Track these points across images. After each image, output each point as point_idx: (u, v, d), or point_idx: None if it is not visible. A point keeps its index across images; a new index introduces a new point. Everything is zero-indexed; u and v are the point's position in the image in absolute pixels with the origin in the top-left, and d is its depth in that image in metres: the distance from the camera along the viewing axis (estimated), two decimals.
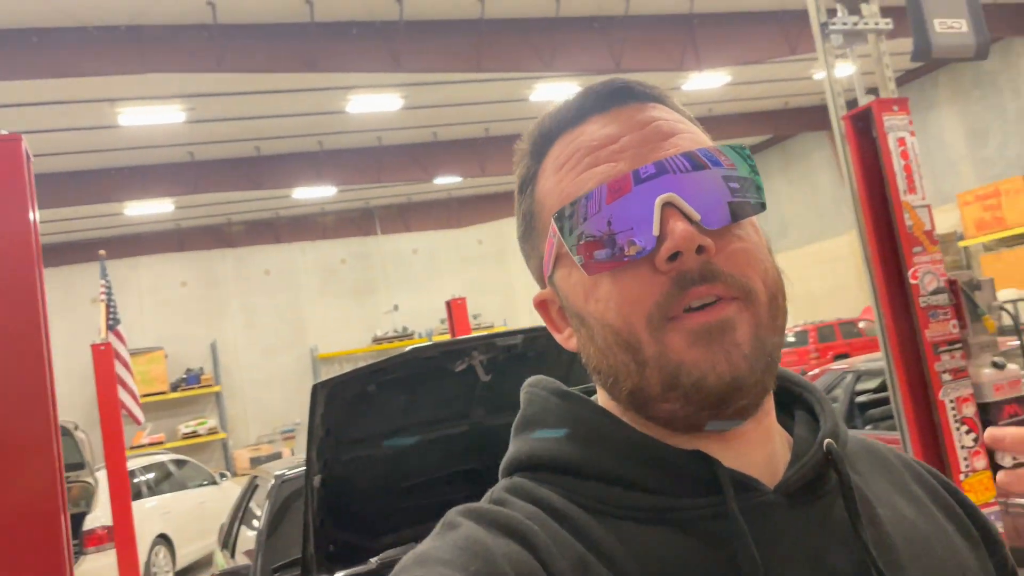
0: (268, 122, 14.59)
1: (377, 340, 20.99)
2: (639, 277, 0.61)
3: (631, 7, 12.44)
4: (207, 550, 8.48)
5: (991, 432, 0.61)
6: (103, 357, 6.07)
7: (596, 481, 0.64)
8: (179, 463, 9.33)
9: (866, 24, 2.72)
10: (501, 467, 0.71)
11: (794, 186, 22.10)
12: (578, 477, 0.64)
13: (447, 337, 20.92)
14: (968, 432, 2.48)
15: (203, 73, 11.04)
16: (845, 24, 2.69)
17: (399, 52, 11.66)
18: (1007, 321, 14.35)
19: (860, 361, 6.44)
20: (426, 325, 21.53)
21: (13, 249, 1.77)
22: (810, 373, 7.11)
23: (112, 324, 6.26)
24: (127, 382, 5.90)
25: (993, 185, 15.98)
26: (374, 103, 14.21)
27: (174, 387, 19.19)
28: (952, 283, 2.51)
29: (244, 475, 12.21)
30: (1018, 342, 5.64)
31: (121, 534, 5.73)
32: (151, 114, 12.90)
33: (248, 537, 4.25)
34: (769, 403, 0.67)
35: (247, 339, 20.55)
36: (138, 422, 5.90)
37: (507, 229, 22.97)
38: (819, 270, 21.25)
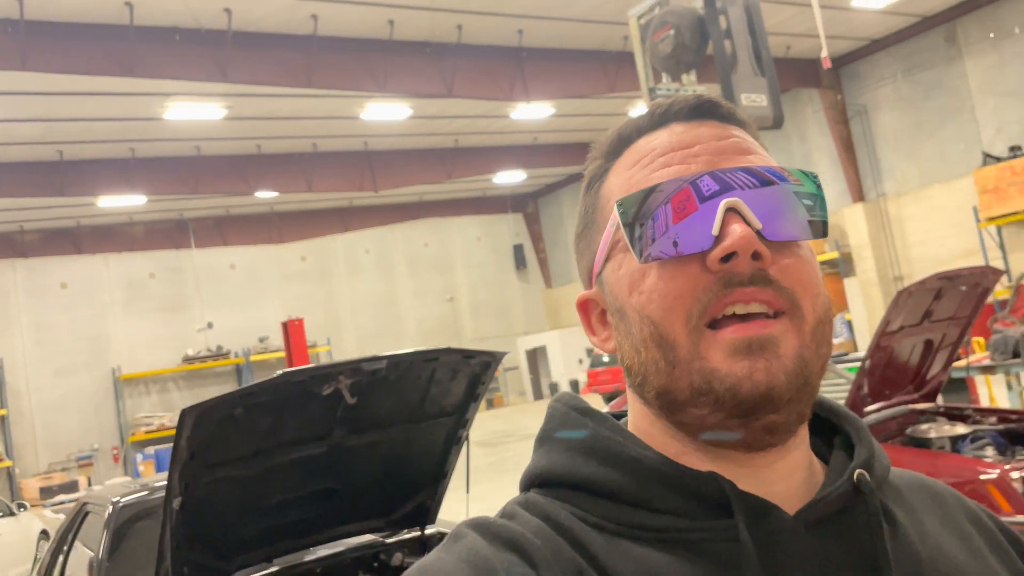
0: (75, 125, 13.62)
1: (188, 359, 19.94)
2: (687, 273, 0.60)
3: (463, 36, 12.86)
4: None
5: None
6: None
7: (606, 499, 0.64)
8: None
9: (686, 90, 3.15)
10: (521, 480, 0.71)
11: None
12: (590, 494, 0.64)
13: (264, 357, 20.25)
14: None
15: (4, 71, 10.19)
16: (668, 89, 3.11)
17: (225, 62, 11.33)
18: None
19: None
20: (243, 344, 20.74)
21: None
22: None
23: None
24: None
25: None
26: (194, 111, 13.66)
27: None
28: None
29: (36, 506, 11.21)
30: None
31: None
32: None
33: (75, 568, 4.04)
34: (803, 434, 0.66)
35: (38, 357, 18.84)
36: None
37: (332, 246, 22.66)
38: None
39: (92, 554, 3.65)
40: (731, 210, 0.60)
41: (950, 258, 15.48)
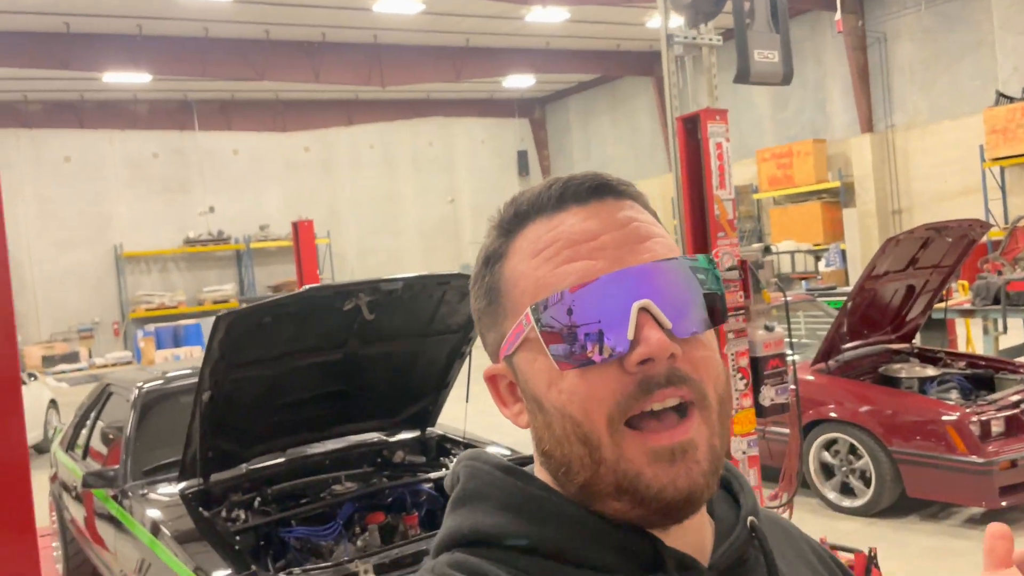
0: None
1: (189, 242, 20.10)
2: (606, 376, 0.63)
3: None
4: None
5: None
6: None
7: (544, 559, 0.65)
8: None
9: (702, 39, 3.27)
10: (437, 542, 0.70)
11: (617, 127, 23.29)
12: (524, 554, 0.65)
13: (264, 245, 20.47)
14: (742, 379, 3.20)
15: None
16: (686, 38, 3.22)
17: None
18: (786, 267, 16.21)
19: None
20: (244, 230, 20.88)
21: None
22: None
23: None
24: None
25: (788, 145, 17.78)
26: None
27: None
28: (743, 262, 3.17)
29: (37, 373, 11.61)
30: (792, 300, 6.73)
31: None
32: None
33: (97, 441, 4.39)
34: None
35: (40, 230, 18.99)
36: None
37: (336, 139, 22.51)
38: None
39: (113, 429, 3.98)
40: (643, 310, 0.62)
41: (951, 195, 15.58)
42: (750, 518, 0.71)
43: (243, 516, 3.08)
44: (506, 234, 0.71)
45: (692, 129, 3.10)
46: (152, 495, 3.37)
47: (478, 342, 0.84)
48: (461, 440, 3.74)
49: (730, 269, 3.11)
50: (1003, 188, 14.54)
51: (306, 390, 3.12)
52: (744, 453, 3.24)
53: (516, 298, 0.68)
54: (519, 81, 21.45)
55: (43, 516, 4.77)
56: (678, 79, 3.23)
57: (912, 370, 5.49)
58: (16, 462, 2.06)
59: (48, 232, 19.07)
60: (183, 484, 3.25)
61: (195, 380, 4.00)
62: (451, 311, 3.18)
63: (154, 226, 20.02)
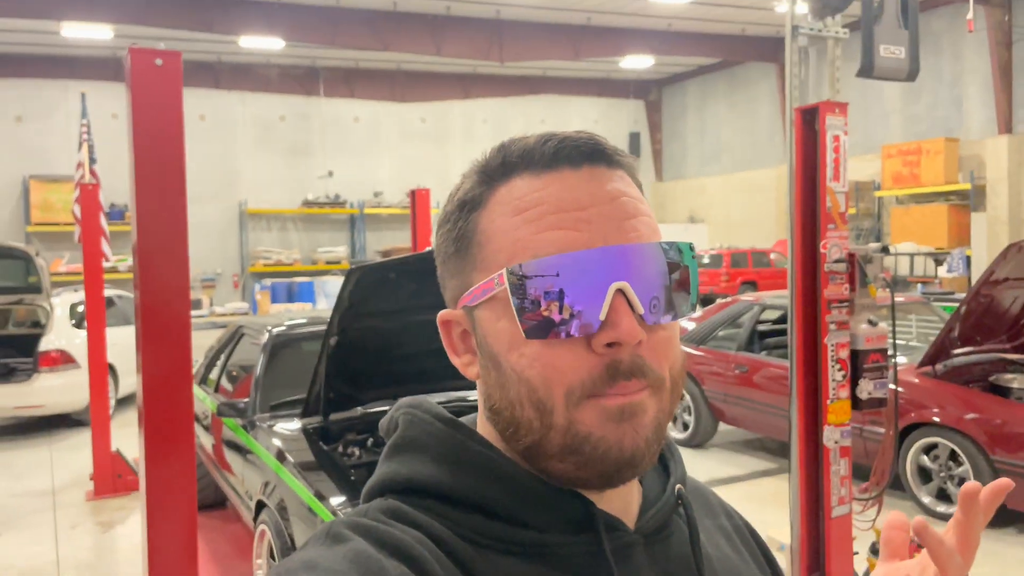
0: None
1: (308, 203, 21.01)
2: (572, 351, 0.63)
3: None
4: None
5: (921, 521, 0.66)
6: (90, 196, 6.36)
7: (478, 514, 0.66)
8: (121, 298, 9.64)
9: (828, 32, 3.28)
10: (369, 486, 0.70)
11: (735, 112, 22.77)
12: (458, 508, 0.66)
13: (377, 211, 21.18)
14: (840, 370, 3.24)
15: None
16: (812, 29, 3.25)
17: None
18: (904, 269, 15.60)
19: (767, 296, 7.30)
20: (359, 196, 21.65)
21: None
22: (721, 300, 7.95)
23: (92, 162, 6.47)
24: (101, 220, 6.21)
25: (916, 143, 16.98)
26: None
27: None
28: (851, 256, 3.20)
29: None
30: (904, 298, 6.57)
31: (95, 359, 6.17)
32: None
33: (227, 379, 4.83)
34: None
35: None
36: (106, 258, 6.23)
37: (451, 112, 22.95)
38: (742, 198, 22.28)
39: (244, 367, 4.37)
40: (619, 292, 0.62)
41: None
42: (678, 486, 0.75)
43: (357, 453, 3.37)
44: (487, 182, 0.69)
45: (810, 120, 3.14)
46: (277, 427, 3.72)
47: None
48: None
49: (837, 261, 3.16)
50: None
51: (420, 345, 3.36)
52: (836, 443, 3.28)
53: (490, 253, 0.66)
54: (637, 62, 21.26)
55: None
56: (800, 70, 3.26)
57: None
58: (182, 394, 2.38)
59: None
60: (305, 420, 3.58)
61: (315, 329, 4.37)
62: None
63: (276, 186, 21.03)
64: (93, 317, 6.12)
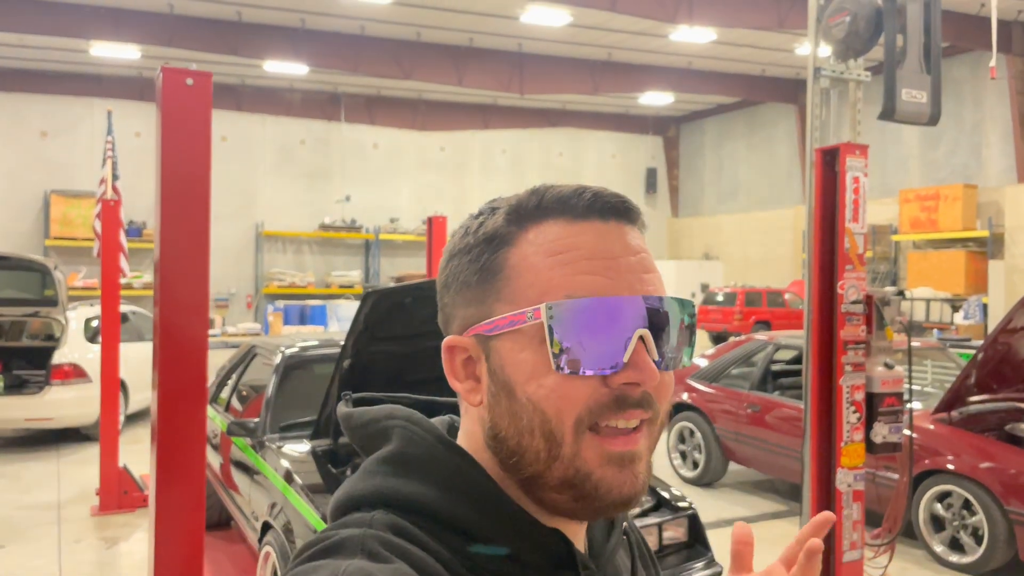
0: None
1: (324, 227, 21.15)
2: (589, 383, 0.67)
3: None
4: None
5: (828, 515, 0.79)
6: (111, 211, 6.44)
7: (475, 542, 0.69)
8: (135, 314, 9.69)
9: (850, 74, 3.30)
10: (362, 493, 0.72)
11: (753, 152, 22.84)
12: (455, 532, 0.69)
13: (393, 237, 21.32)
14: (855, 412, 3.21)
15: None
16: (834, 71, 3.27)
17: None
18: (920, 315, 15.46)
19: (781, 335, 7.26)
20: (375, 221, 21.79)
21: None
22: (735, 338, 7.91)
23: (115, 178, 6.56)
24: (120, 236, 6.28)
25: (935, 188, 16.95)
26: None
27: None
28: (869, 297, 3.19)
29: None
30: (918, 343, 6.52)
31: (108, 374, 6.19)
32: None
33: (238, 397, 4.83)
34: None
35: None
36: (123, 273, 6.29)
37: (470, 142, 23.15)
38: (758, 237, 22.27)
39: (256, 387, 4.38)
40: (641, 338, 0.68)
41: None
42: (624, 523, 0.84)
43: None
44: (518, 221, 0.72)
45: (830, 161, 3.15)
46: (286, 448, 3.71)
47: None
48: None
49: (855, 302, 3.14)
50: None
51: (432, 370, 3.37)
52: (849, 486, 3.24)
53: (519, 288, 0.69)
54: (656, 98, 21.43)
55: None
56: (821, 111, 3.28)
57: None
58: (197, 412, 2.39)
59: None
60: (315, 442, 3.57)
61: (327, 351, 4.37)
62: None
63: (294, 208, 21.20)
64: (108, 332, 6.16)
